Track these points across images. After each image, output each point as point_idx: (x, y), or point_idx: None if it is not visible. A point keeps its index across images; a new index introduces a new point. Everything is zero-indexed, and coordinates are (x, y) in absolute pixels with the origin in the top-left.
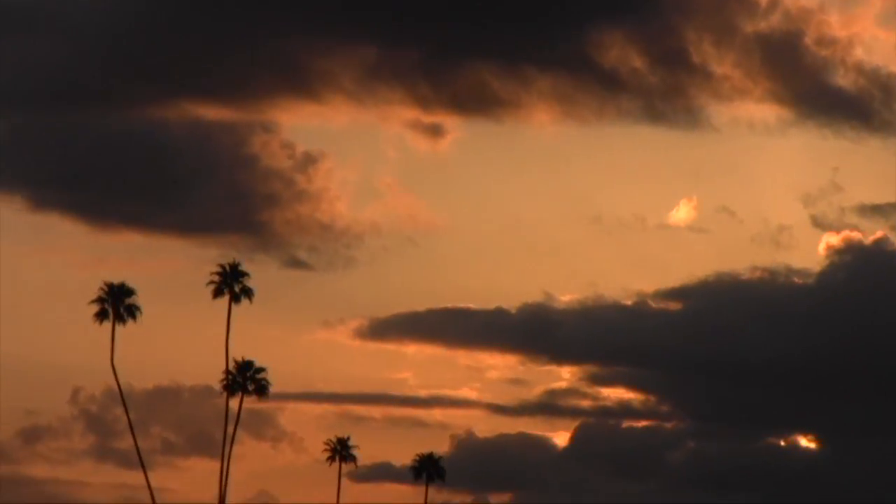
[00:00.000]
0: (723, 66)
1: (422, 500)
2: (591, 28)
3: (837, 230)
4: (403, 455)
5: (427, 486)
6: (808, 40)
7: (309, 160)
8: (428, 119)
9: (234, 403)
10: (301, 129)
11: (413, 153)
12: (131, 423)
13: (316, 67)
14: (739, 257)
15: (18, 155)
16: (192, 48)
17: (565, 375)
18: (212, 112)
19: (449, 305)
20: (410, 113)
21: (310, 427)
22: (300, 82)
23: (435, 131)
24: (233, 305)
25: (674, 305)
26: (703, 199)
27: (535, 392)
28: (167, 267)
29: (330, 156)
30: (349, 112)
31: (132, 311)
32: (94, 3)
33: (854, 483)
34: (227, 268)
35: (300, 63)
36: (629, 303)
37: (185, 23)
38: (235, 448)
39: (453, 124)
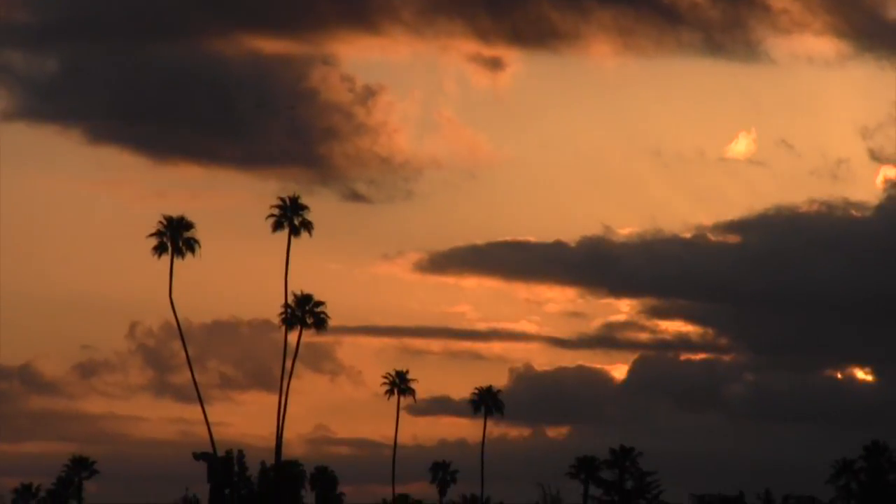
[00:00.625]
0: None
1: (480, 434)
2: None
3: (894, 162)
4: (462, 388)
5: (485, 419)
6: None
7: (368, 93)
8: (488, 52)
9: (292, 337)
10: (361, 62)
11: (473, 86)
12: (189, 358)
13: (376, 0)
14: (798, 190)
15: (77, 88)
16: None
17: (624, 308)
18: (271, 45)
19: (508, 238)
20: (470, 46)
21: (368, 360)
22: (360, 15)
23: (495, 64)
24: (292, 239)
25: (732, 238)
26: (762, 132)
27: (593, 325)
28: (227, 200)
29: (389, 89)
30: (409, 45)
31: (191, 245)
32: None
33: None
34: (287, 201)
35: None
36: (688, 236)
37: None
38: (293, 382)
39: (513, 57)
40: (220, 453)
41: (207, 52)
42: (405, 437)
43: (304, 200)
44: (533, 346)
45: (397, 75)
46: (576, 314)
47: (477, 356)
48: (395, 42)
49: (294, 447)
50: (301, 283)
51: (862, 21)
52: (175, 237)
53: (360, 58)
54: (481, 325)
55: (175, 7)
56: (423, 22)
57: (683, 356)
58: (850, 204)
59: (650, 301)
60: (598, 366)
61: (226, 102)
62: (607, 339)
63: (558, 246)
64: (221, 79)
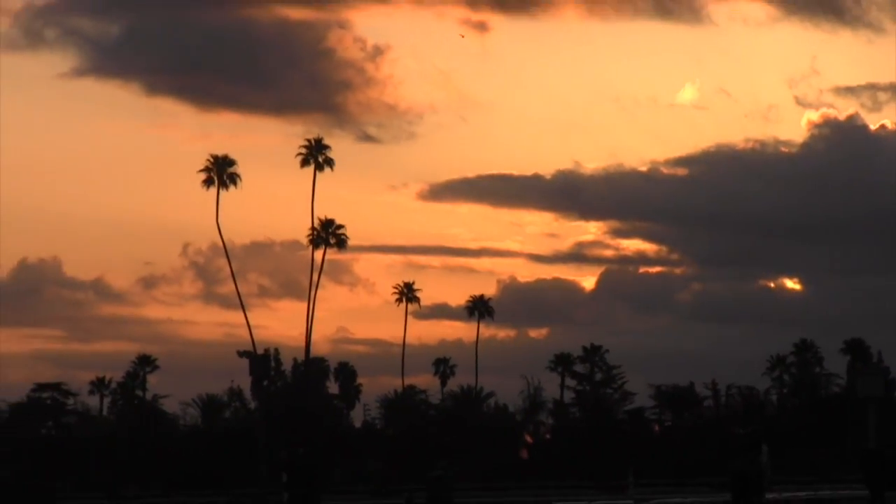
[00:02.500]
0: None
1: (474, 334)
2: None
3: (816, 108)
4: (458, 297)
5: (478, 322)
6: None
7: (377, 52)
8: (476, 17)
9: (318, 255)
10: (370, 25)
11: (463, 45)
12: (233, 272)
13: None
14: (735, 130)
15: (135, 48)
16: None
17: (591, 230)
18: (296, 13)
19: (494, 172)
20: (461, 12)
21: (380, 274)
22: None
23: (481, 27)
24: (317, 173)
25: (681, 171)
26: (705, 82)
27: (566, 244)
28: (262, 142)
29: (394, 48)
30: (411, 12)
31: (234, 179)
32: None
33: (830, 315)
34: (312, 142)
35: None
36: (644, 169)
37: None
38: (319, 292)
39: (496, 21)
40: (260, 351)
41: (244, 19)
42: (412, 338)
43: (325, 141)
44: (516, 262)
45: (401, 36)
46: (552, 234)
47: (470, 270)
48: (399, 9)
49: (320, 346)
50: (324, 209)
51: None
52: (220, 172)
53: (369, 22)
54: (473, 245)
55: None
56: None
57: (642, 269)
58: (779, 142)
59: (613, 223)
60: (571, 277)
61: (259, 60)
62: (578, 256)
63: (536, 178)
64: (256, 41)
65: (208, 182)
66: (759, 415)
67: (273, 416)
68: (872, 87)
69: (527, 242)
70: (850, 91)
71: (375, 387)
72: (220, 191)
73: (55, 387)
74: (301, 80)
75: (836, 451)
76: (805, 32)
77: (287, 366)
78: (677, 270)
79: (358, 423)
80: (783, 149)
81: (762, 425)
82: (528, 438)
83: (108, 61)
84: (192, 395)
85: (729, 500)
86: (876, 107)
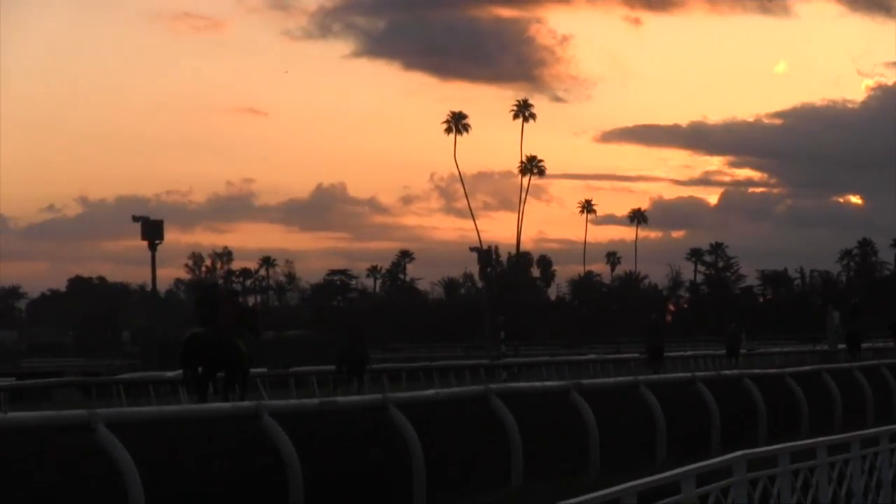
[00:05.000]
0: None
1: (634, 235)
2: None
3: (872, 77)
4: (622, 209)
5: (637, 227)
6: None
7: (564, 39)
8: (632, 14)
9: (525, 181)
10: (558, 20)
11: (624, 34)
12: (465, 192)
13: None
14: (815, 92)
15: (396, 37)
16: None
17: (715, 163)
18: (507, 12)
19: (647, 122)
20: (622, 10)
21: (568, 194)
22: None
23: (636, 21)
24: (524, 124)
25: (777, 121)
26: (793, 58)
27: (697, 172)
28: (486, 101)
29: (576, 36)
30: (588, 10)
31: (466, 128)
32: None
33: (883, 221)
34: (521, 102)
35: None
36: (752, 120)
37: None
38: (525, 207)
39: (647, 17)
40: (485, 247)
41: (472, 17)
42: (590, 238)
43: (529, 101)
44: (662, 185)
45: (580, 28)
46: (687, 166)
47: (630, 191)
48: (579, 9)
49: (526, 244)
50: (529, 149)
51: None
52: (457, 123)
53: (559, 18)
54: (632, 173)
55: None
56: None
57: (750, 190)
58: (846, 100)
59: (730, 158)
60: (701, 196)
61: (483, 45)
62: (706, 180)
63: (675, 126)
64: (480, 31)
65: (448, 130)
66: (834, 291)
67: (494, 293)
68: None
69: (670, 171)
70: None
71: (565, 272)
72: (457, 136)
73: (343, 272)
74: (512, 59)
75: (887, 318)
76: (864, 23)
77: (503, 258)
78: (775, 191)
79: (553, 297)
80: (849, 105)
81: (859, 299)
82: (672, 307)
83: (377, 47)
84: (437, 278)
85: (841, 349)
86: None
